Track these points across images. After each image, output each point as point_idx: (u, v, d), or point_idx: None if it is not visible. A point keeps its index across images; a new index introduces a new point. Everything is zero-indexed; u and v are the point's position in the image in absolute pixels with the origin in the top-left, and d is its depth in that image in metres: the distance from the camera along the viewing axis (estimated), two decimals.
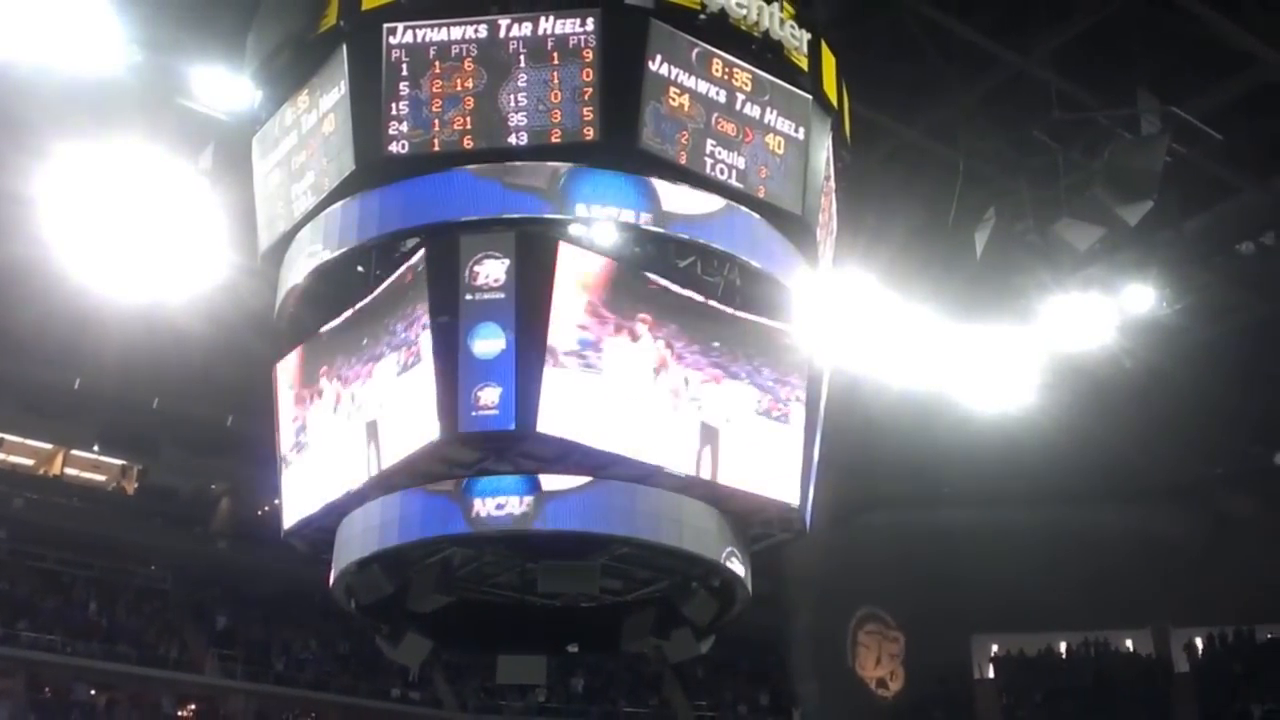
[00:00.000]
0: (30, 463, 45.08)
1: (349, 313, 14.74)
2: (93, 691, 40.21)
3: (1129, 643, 52.54)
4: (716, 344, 14.58)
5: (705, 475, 14.34)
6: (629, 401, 13.81)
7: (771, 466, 14.94)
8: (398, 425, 13.89)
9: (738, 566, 15.19)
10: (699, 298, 14.57)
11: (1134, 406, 32.95)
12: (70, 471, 45.66)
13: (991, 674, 52.83)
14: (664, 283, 14.33)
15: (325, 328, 15.11)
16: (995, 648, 53.00)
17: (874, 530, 45.30)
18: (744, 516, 15.29)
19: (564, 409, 13.35)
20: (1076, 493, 43.91)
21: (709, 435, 14.35)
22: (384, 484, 14.43)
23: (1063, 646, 52.83)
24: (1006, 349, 24.35)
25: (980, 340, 24.17)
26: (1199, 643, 50.88)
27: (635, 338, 13.93)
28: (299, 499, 15.80)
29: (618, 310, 13.83)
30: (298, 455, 15.75)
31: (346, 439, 14.64)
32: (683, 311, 14.38)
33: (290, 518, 16.03)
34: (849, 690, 49.88)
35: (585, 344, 13.58)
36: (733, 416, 14.60)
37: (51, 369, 37.73)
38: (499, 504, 14.00)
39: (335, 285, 15.09)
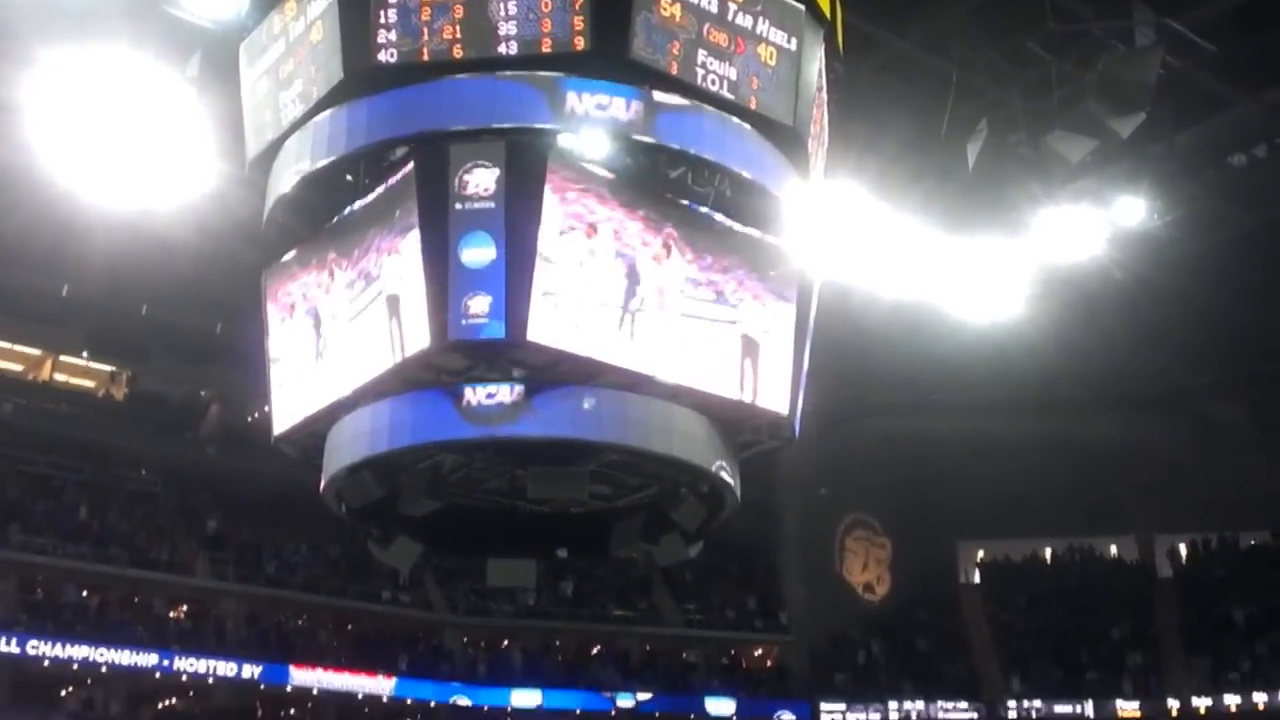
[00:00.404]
0: (19, 368, 44.97)
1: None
2: (84, 593, 40.56)
3: (1113, 548, 53.17)
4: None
5: (711, 385, 14.51)
6: (622, 310, 13.85)
7: (764, 375, 15.04)
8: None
9: (727, 473, 15.31)
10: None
11: (1122, 317, 33.16)
12: (59, 377, 45.53)
13: (977, 579, 53.50)
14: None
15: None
16: (981, 553, 53.64)
17: (863, 438, 45.67)
18: (733, 424, 15.39)
19: (555, 317, 13.37)
20: (1064, 401, 44.28)
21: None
22: (380, 387, 14.43)
23: (1047, 552, 53.46)
24: (997, 260, 24.38)
25: (971, 251, 24.19)
26: (1182, 548, 51.56)
27: (637, 248, 13.95)
28: (294, 403, 15.80)
29: (613, 219, 13.84)
30: (293, 358, 15.72)
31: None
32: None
33: (282, 423, 16.06)
34: (836, 594, 50.57)
35: (578, 253, 13.58)
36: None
37: (39, 275, 37.65)
38: (490, 393, 14.09)
39: (324, 194, 15.02)
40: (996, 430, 45.36)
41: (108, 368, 45.80)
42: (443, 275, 13.36)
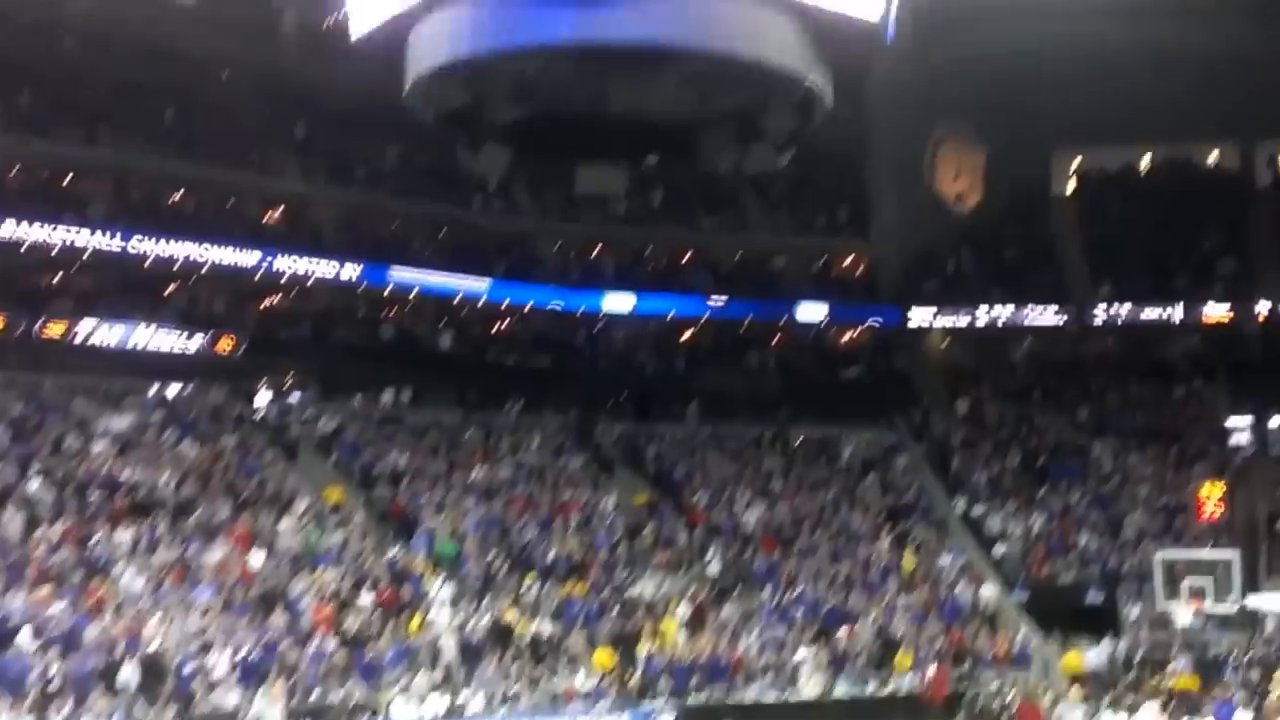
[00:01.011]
0: None
1: None
2: (178, 195, 41.12)
3: (1212, 156, 52.07)
4: None
5: None
6: None
7: None
8: None
9: (818, 80, 14.90)
10: None
11: None
12: None
13: (1070, 189, 52.87)
14: None
15: None
16: (1076, 163, 52.76)
17: (960, 46, 44.29)
18: (824, 29, 14.86)
19: None
20: (1167, 6, 42.44)
21: None
22: None
23: (1144, 162, 52.48)
24: None
25: None
26: None
27: None
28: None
29: None
30: None
31: None
32: None
33: (361, 24, 15.64)
34: (927, 205, 50.17)
35: None
36: None
37: None
38: None
39: None
40: (1097, 37, 43.76)
41: None
42: None
